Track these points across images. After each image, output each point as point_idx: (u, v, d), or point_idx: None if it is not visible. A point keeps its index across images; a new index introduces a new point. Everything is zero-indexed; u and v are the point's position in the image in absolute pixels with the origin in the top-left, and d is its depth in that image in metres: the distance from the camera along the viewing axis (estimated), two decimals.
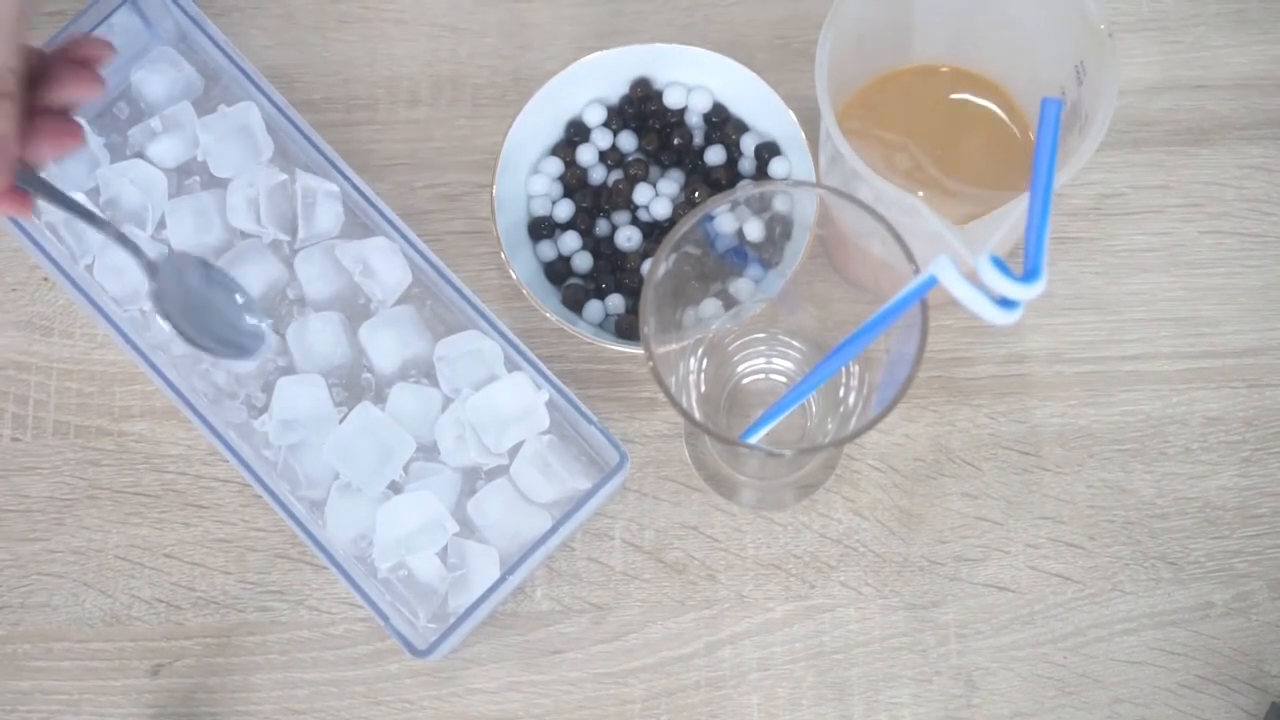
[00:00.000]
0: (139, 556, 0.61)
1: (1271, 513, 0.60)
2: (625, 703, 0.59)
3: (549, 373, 0.57)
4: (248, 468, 0.56)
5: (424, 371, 0.60)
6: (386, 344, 0.59)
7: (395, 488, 0.58)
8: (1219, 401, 0.61)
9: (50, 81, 0.51)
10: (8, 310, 0.64)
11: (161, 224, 0.61)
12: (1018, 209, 0.49)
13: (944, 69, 0.59)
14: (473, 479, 0.59)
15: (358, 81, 0.66)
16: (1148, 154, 0.64)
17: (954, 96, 0.59)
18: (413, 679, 0.59)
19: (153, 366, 0.57)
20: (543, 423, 0.58)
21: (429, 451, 0.59)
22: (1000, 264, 0.38)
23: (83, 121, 0.53)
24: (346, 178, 0.60)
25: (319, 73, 0.66)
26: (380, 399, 0.60)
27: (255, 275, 0.60)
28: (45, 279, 0.64)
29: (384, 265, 0.60)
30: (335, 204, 0.61)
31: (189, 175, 0.63)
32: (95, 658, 0.60)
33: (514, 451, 0.58)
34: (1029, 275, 0.39)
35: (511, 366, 0.59)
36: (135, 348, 0.58)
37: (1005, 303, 0.39)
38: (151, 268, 0.57)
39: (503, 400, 0.58)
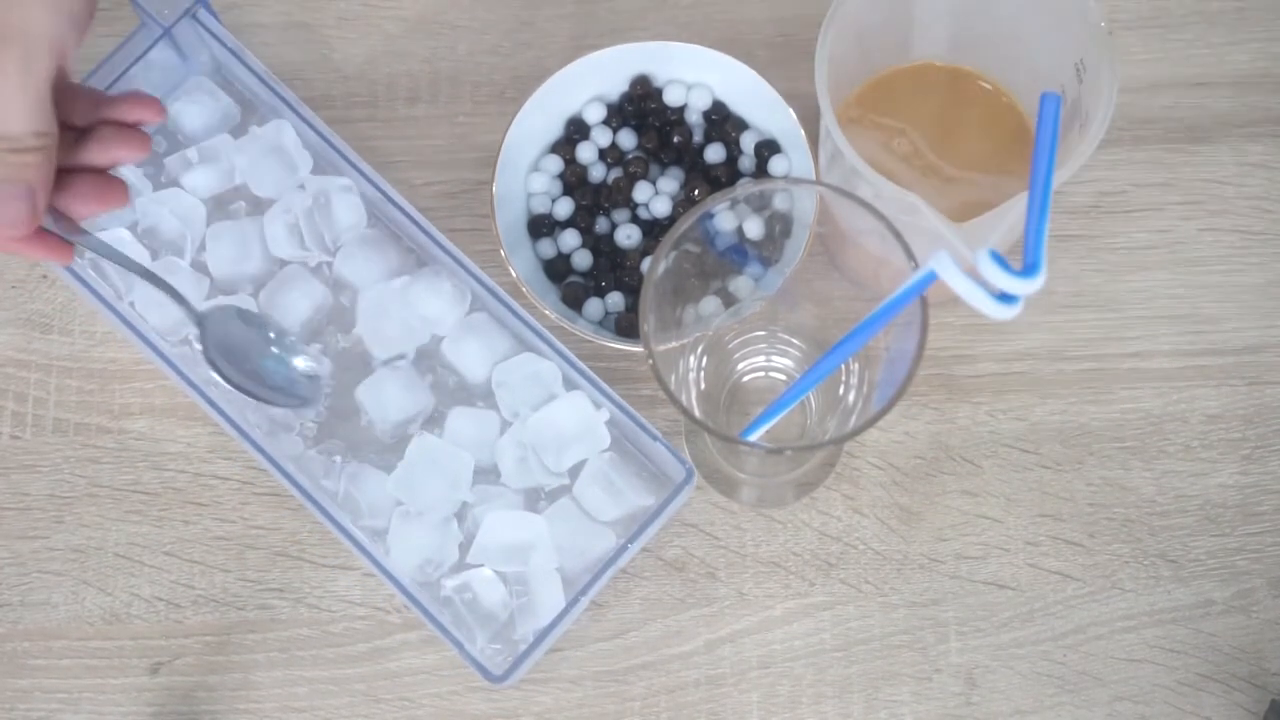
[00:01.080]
0: (138, 554, 0.61)
1: (1272, 510, 0.60)
2: (625, 700, 0.59)
3: (609, 390, 0.57)
4: (309, 498, 0.56)
5: (480, 395, 0.60)
6: (474, 353, 0.59)
7: (463, 514, 0.58)
8: (1219, 399, 0.61)
9: (95, 141, 0.51)
10: (7, 308, 0.64)
11: (201, 248, 0.61)
12: (1017, 206, 0.49)
13: (944, 67, 0.59)
14: (535, 500, 0.59)
15: (357, 79, 0.66)
16: (1148, 151, 0.64)
17: (953, 91, 0.59)
18: (412, 677, 0.59)
19: (210, 402, 0.57)
20: (604, 441, 0.58)
21: (489, 475, 0.59)
22: (999, 259, 0.38)
23: (128, 177, 0.53)
24: (399, 207, 0.59)
25: (319, 70, 0.66)
26: (437, 426, 0.59)
27: (300, 301, 0.60)
28: (45, 276, 0.64)
29: (436, 298, 0.60)
30: (351, 196, 0.61)
31: (232, 201, 0.63)
32: (95, 656, 0.60)
33: (575, 471, 0.58)
34: (1028, 270, 0.39)
35: (570, 385, 0.58)
36: (191, 384, 0.57)
37: (1005, 298, 0.39)
38: (199, 319, 0.57)
39: (562, 420, 0.58)
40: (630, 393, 0.62)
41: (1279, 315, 0.62)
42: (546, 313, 0.58)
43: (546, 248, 0.62)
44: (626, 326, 0.60)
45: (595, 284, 0.61)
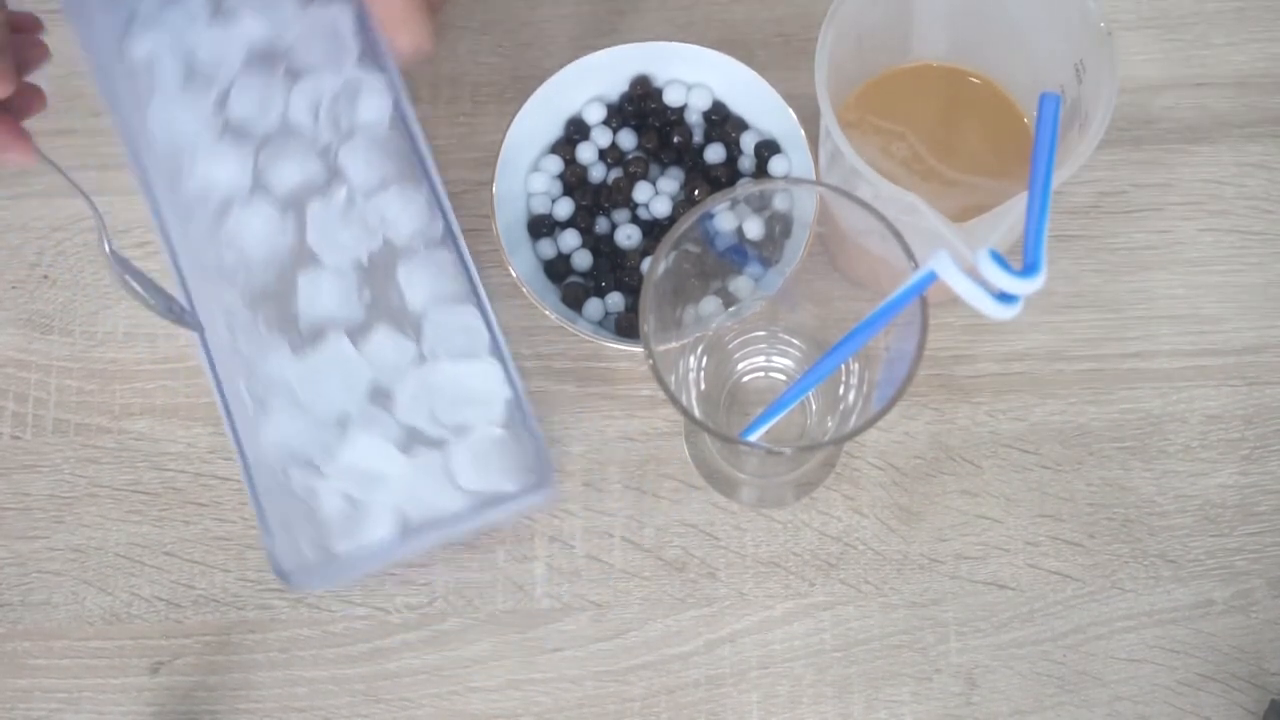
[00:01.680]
0: (139, 554, 0.61)
1: (1271, 510, 0.60)
2: (625, 700, 0.59)
3: (519, 380, 0.56)
4: (203, 339, 0.55)
5: (411, 324, 0.59)
6: (423, 284, 0.58)
7: (342, 422, 0.57)
8: (1219, 399, 0.61)
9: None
10: (8, 308, 0.64)
11: (228, 94, 0.59)
12: (1017, 207, 0.49)
13: (943, 67, 0.59)
14: (411, 440, 0.58)
15: None
16: (1148, 152, 0.64)
17: (953, 92, 0.59)
18: (412, 677, 0.59)
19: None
20: (497, 418, 0.57)
21: (382, 399, 0.58)
22: (999, 259, 0.38)
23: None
24: (404, 117, 0.58)
25: None
26: (361, 334, 0.58)
27: (293, 172, 0.59)
28: (45, 276, 0.64)
29: (406, 212, 0.58)
30: (381, 98, 0.59)
31: (274, 62, 0.60)
32: (95, 655, 0.60)
33: (460, 431, 0.57)
34: (1028, 270, 0.39)
35: (495, 357, 0.58)
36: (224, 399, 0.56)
37: (1005, 297, 0.39)
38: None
39: (470, 381, 0.57)
40: (630, 393, 0.62)
41: (1278, 315, 0.62)
42: (546, 313, 0.58)
43: (546, 248, 0.62)
44: (626, 326, 0.60)
45: (595, 284, 0.61)
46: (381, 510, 0.56)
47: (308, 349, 0.58)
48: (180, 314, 0.55)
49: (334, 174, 0.60)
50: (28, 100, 0.54)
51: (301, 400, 0.57)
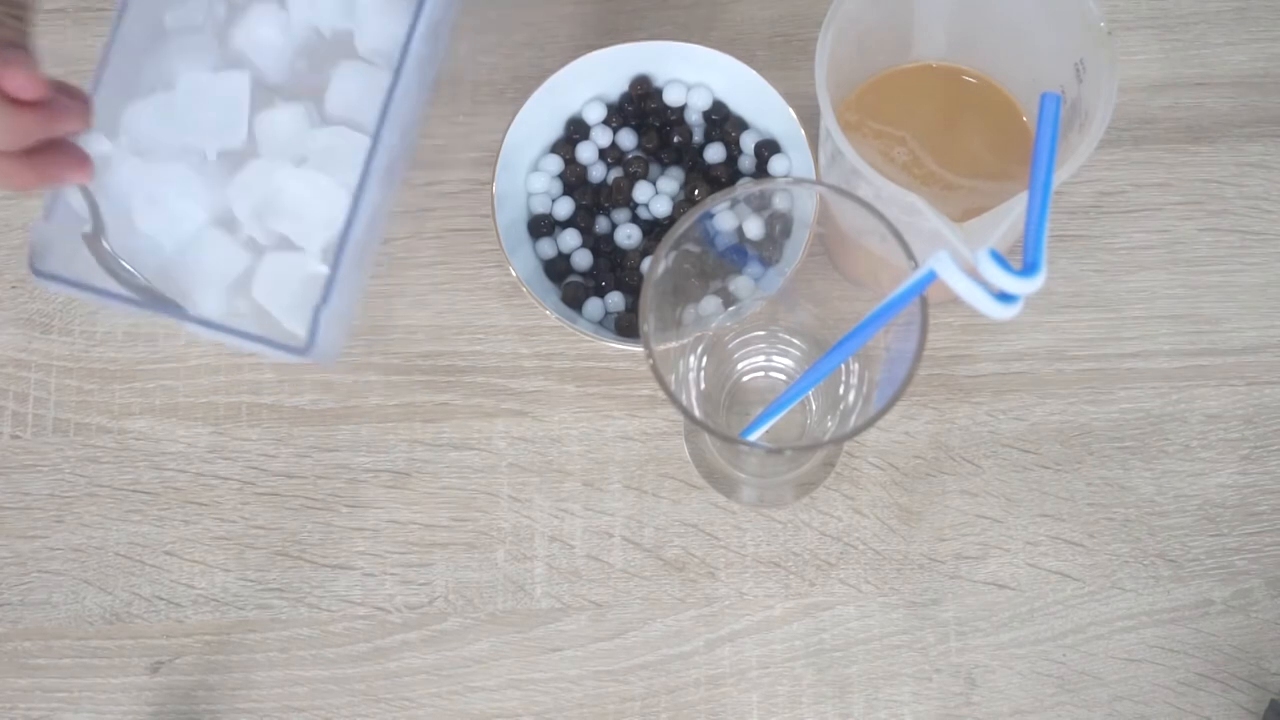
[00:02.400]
0: (139, 554, 0.61)
1: (1271, 510, 0.60)
2: (625, 700, 0.59)
3: (357, 234, 0.53)
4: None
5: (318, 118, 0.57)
6: (350, 93, 0.56)
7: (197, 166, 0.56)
8: (1219, 399, 0.61)
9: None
10: (7, 308, 0.64)
11: None
12: (1018, 206, 0.49)
13: (943, 67, 0.59)
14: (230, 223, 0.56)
15: None
16: (1148, 151, 0.64)
17: (953, 92, 0.59)
18: (412, 677, 0.59)
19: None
20: (316, 251, 0.54)
21: (234, 163, 0.56)
22: (999, 258, 0.38)
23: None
24: None
25: None
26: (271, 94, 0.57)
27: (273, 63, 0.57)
28: None
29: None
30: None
31: None
32: (95, 655, 0.60)
33: (279, 241, 0.55)
34: (1028, 269, 0.39)
35: (349, 193, 0.53)
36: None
37: (1004, 297, 0.39)
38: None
39: (314, 201, 0.54)
40: (630, 393, 0.62)
41: (1278, 315, 0.62)
42: (546, 313, 0.58)
43: (546, 248, 0.62)
44: (626, 326, 0.60)
45: (595, 284, 0.61)
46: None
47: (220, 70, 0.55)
48: (160, 302, 0.54)
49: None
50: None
51: (175, 114, 0.54)
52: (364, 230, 0.53)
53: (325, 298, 0.51)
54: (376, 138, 0.53)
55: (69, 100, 0.49)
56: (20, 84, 0.45)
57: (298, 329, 0.53)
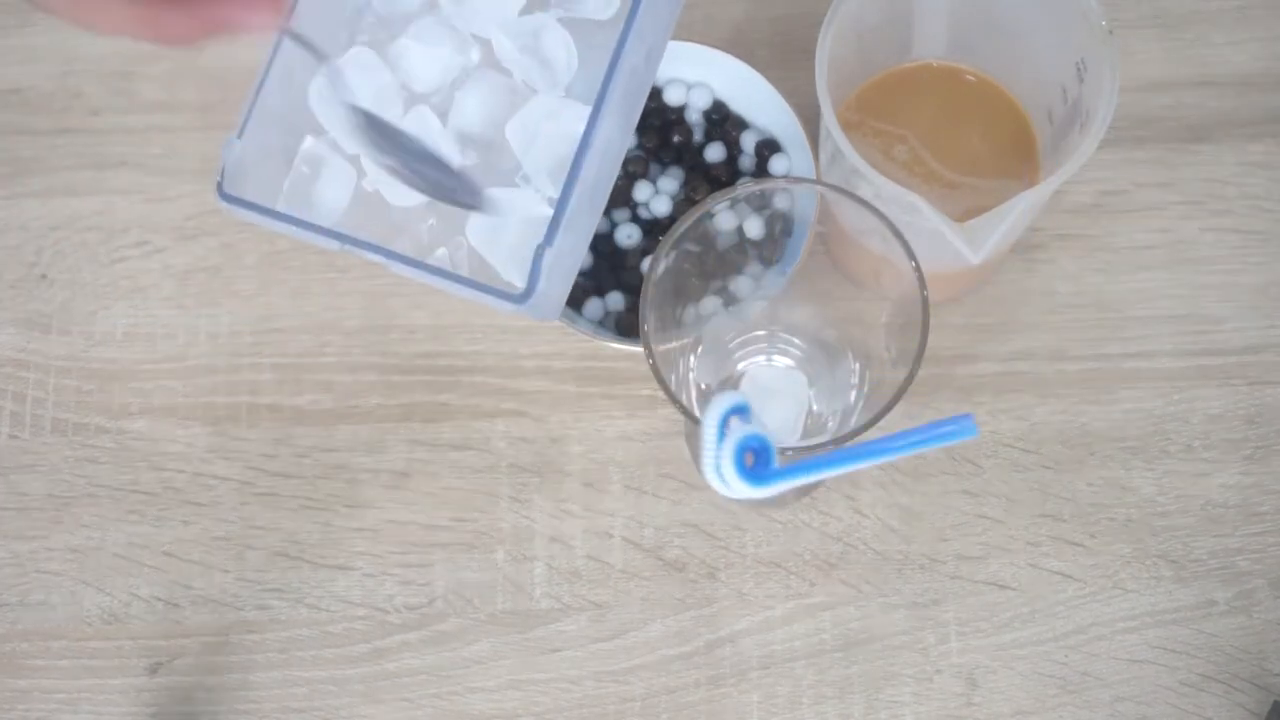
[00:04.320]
0: (137, 554, 0.61)
1: (1273, 510, 0.60)
2: (625, 701, 0.59)
3: (577, 198, 0.47)
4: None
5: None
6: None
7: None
8: (1220, 399, 0.61)
9: None
10: (6, 307, 0.64)
11: None
12: (1018, 206, 0.49)
13: (943, 67, 0.59)
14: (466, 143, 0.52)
15: None
16: (1149, 151, 0.64)
17: (954, 91, 0.59)
18: (412, 677, 0.59)
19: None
20: (534, 214, 0.49)
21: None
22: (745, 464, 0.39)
23: None
24: None
25: None
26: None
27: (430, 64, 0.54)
28: (43, 276, 0.64)
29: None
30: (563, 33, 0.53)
31: None
32: (93, 656, 0.60)
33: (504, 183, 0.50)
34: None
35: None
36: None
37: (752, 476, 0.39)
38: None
39: (561, 133, 0.49)
40: (630, 393, 0.62)
41: None
42: None
43: None
44: (626, 326, 0.60)
45: (595, 284, 0.61)
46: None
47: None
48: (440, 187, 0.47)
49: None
50: None
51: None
52: (598, 161, 0.47)
53: (549, 237, 0.45)
54: (618, 52, 0.47)
55: None
56: None
57: (515, 280, 0.48)
